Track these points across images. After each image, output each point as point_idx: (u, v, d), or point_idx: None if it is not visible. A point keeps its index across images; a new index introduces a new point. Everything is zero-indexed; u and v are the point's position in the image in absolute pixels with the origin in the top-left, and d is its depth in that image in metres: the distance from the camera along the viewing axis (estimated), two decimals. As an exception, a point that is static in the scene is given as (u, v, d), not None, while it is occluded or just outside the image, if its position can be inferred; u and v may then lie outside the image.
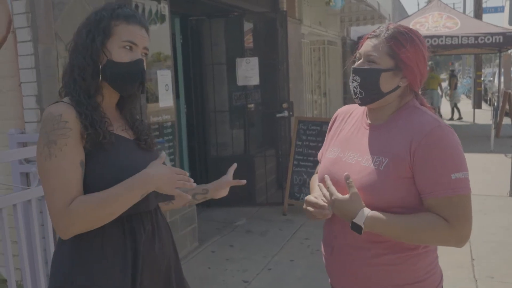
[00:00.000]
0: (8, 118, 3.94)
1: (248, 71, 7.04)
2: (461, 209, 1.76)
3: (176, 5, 5.63)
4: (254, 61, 7.03)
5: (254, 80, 7.08)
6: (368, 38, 1.92)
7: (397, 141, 1.83)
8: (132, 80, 1.81)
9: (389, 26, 1.91)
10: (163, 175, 1.73)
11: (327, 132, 2.20)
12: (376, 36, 1.89)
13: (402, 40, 1.85)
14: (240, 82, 7.13)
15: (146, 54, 1.86)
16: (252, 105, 7.55)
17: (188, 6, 6.70)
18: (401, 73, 1.86)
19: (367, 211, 1.78)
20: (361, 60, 1.91)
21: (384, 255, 1.85)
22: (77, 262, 1.74)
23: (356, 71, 1.90)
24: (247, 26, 7.43)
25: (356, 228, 1.79)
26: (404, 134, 1.82)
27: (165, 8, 5.02)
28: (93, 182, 1.71)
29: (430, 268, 1.92)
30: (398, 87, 1.88)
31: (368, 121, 1.98)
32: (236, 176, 2.15)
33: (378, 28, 1.93)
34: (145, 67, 1.84)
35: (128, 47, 1.79)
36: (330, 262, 2.03)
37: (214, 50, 7.22)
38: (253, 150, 7.55)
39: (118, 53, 1.78)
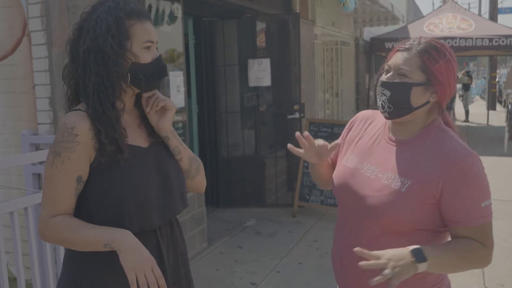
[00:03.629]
0: (21, 119, 4.00)
1: (260, 72, 7.04)
2: (489, 233, 1.78)
3: (189, 6, 5.66)
4: (266, 63, 7.04)
5: (266, 81, 7.08)
6: (398, 50, 1.86)
7: (424, 164, 1.78)
8: (158, 77, 1.84)
9: (420, 40, 1.85)
10: (138, 255, 1.66)
11: (343, 136, 2.14)
12: (408, 50, 1.82)
13: (435, 55, 1.80)
14: (252, 83, 7.14)
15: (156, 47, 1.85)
16: (264, 106, 7.56)
17: (201, 7, 6.72)
18: (432, 88, 1.81)
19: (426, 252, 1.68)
20: (390, 73, 1.84)
21: None
22: (88, 271, 1.76)
23: (386, 85, 1.84)
24: (260, 27, 7.43)
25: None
26: (432, 158, 1.78)
27: (178, 9, 5.05)
28: (101, 195, 1.72)
29: (438, 280, 1.90)
30: (427, 102, 1.83)
31: (391, 134, 1.93)
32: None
33: (409, 40, 1.87)
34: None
35: (147, 47, 1.78)
36: (339, 272, 2.00)
37: (227, 51, 7.22)
38: (264, 151, 7.57)
39: (142, 54, 1.76)
